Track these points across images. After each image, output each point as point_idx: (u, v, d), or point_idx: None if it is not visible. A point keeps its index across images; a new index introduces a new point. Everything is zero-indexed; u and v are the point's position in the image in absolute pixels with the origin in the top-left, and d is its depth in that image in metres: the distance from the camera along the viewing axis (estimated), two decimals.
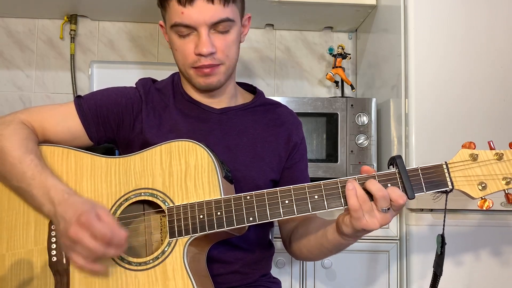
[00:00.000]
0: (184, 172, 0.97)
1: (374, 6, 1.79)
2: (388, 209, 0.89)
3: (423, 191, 0.90)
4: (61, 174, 1.01)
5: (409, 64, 1.49)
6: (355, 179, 0.91)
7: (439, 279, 0.99)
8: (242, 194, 0.94)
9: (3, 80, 2.00)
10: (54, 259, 0.96)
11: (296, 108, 1.65)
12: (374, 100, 1.67)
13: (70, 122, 1.09)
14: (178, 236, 0.94)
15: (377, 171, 0.93)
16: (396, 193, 0.88)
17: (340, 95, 1.88)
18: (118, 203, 0.98)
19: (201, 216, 0.94)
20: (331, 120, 1.66)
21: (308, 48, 2.10)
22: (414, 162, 1.45)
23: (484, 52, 1.48)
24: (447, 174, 0.90)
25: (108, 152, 1.48)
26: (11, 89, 2.00)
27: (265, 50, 2.08)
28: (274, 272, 1.26)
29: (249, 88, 1.27)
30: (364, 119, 1.65)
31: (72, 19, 1.98)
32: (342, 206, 0.92)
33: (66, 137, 1.09)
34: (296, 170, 1.19)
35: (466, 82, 1.47)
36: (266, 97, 1.25)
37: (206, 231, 0.93)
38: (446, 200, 0.95)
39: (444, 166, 0.90)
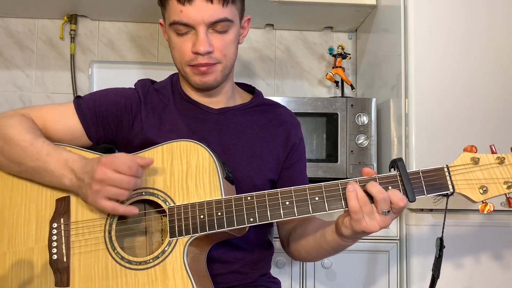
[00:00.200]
0: (185, 172, 0.98)
1: (374, 6, 1.79)
2: (388, 211, 0.89)
3: (424, 194, 0.90)
4: None
5: (409, 64, 1.49)
6: (356, 181, 0.91)
7: (436, 281, 0.99)
8: (243, 194, 0.94)
9: (3, 80, 2.00)
10: (55, 257, 0.96)
11: (296, 108, 1.65)
12: (374, 100, 1.67)
13: (69, 121, 1.10)
14: (178, 236, 0.94)
15: (377, 172, 0.93)
16: (397, 196, 0.88)
17: (340, 95, 1.88)
18: (119, 202, 0.98)
19: (202, 216, 0.94)
20: (331, 120, 1.66)
21: (308, 48, 2.10)
22: (414, 162, 1.45)
23: (484, 52, 1.48)
24: (448, 178, 0.90)
25: (108, 152, 1.48)
26: (11, 89, 2.00)
27: (265, 50, 2.08)
28: (274, 272, 1.26)
29: (248, 89, 1.27)
30: (364, 119, 1.65)
31: (72, 19, 1.98)
32: (343, 208, 0.92)
33: (66, 136, 1.09)
34: (294, 170, 1.19)
35: (466, 82, 1.47)
36: (265, 97, 1.25)
37: (206, 231, 0.94)
38: (446, 203, 0.95)
39: (445, 169, 0.91)
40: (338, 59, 1.86)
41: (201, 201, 0.95)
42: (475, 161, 0.90)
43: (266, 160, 1.15)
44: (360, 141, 1.64)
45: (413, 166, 1.44)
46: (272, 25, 2.07)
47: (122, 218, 0.99)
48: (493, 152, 0.90)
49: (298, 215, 0.92)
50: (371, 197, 0.89)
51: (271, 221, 0.94)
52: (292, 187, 0.94)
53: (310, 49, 2.10)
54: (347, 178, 1.64)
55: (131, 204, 0.99)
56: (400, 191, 0.90)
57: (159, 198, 0.97)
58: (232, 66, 1.14)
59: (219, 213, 0.94)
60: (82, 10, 1.97)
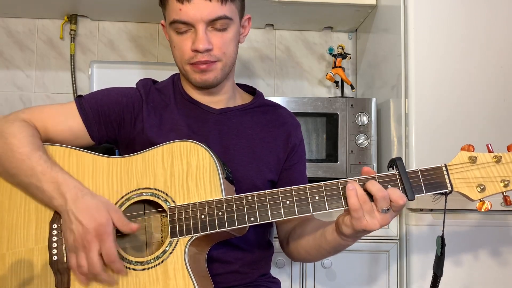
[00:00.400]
0: (186, 172, 0.98)
1: (374, 6, 1.79)
2: (388, 209, 0.90)
3: (423, 193, 0.91)
4: None
5: (409, 64, 1.49)
6: (356, 180, 0.92)
7: (440, 280, 1.00)
8: (243, 194, 0.95)
9: (3, 80, 2.00)
10: (55, 258, 0.96)
11: (296, 108, 1.65)
12: (374, 100, 1.67)
13: (71, 121, 1.09)
14: (179, 236, 0.94)
15: (377, 172, 0.93)
16: (396, 194, 0.88)
17: (340, 95, 1.88)
18: (119, 202, 0.98)
19: (203, 216, 0.94)
20: (331, 120, 1.66)
21: (308, 48, 2.10)
22: (414, 162, 1.45)
23: (484, 52, 1.48)
24: (446, 176, 0.91)
25: (108, 152, 1.48)
26: (11, 89, 2.00)
27: (265, 50, 2.09)
28: (274, 272, 1.26)
29: (249, 89, 1.27)
30: (364, 119, 1.65)
31: (72, 19, 1.98)
32: (343, 207, 0.92)
33: (68, 136, 1.09)
34: (294, 171, 1.19)
35: (466, 82, 1.48)
36: (265, 97, 1.25)
37: (207, 231, 0.94)
38: (445, 202, 0.96)
39: (444, 168, 0.92)
40: (338, 59, 1.86)
41: (202, 201, 0.95)
42: (473, 160, 0.91)
43: (266, 160, 1.15)
44: (360, 141, 1.64)
45: (413, 166, 1.44)
46: (272, 25, 2.07)
47: None
48: (489, 151, 0.92)
49: (298, 215, 0.93)
50: (371, 196, 0.90)
51: (272, 221, 0.94)
52: (292, 187, 0.94)
53: (310, 49, 2.10)
54: (347, 178, 1.64)
55: (132, 203, 0.99)
56: (400, 190, 0.90)
57: (160, 198, 0.97)
58: (232, 65, 1.14)
59: (220, 213, 0.94)
60: (82, 10, 1.97)
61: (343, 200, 0.92)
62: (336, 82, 1.89)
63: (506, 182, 0.89)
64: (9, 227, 0.99)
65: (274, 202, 0.94)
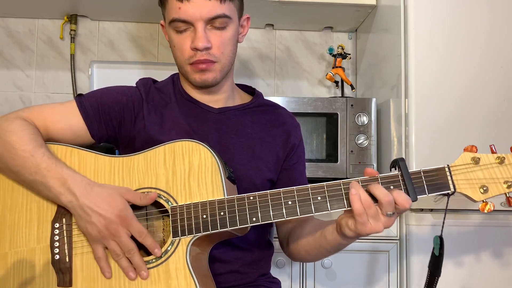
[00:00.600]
0: (188, 171, 0.98)
1: (374, 6, 1.79)
2: (393, 213, 0.90)
3: (426, 194, 0.91)
4: None
5: (409, 64, 1.49)
6: (358, 182, 0.92)
7: (437, 280, 1.00)
8: (245, 194, 0.95)
9: (3, 80, 2.00)
10: (57, 257, 0.96)
11: (296, 108, 1.65)
12: (374, 100, 1.67)
13: (72, 119, 1.09)
14: (181, 236, 0.94)
15: (378, 171, 0.93)
16: (402, 197, 0.89)
17: (340, 95, 1.88)
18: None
19: (204, 216, 0.94)
20: (331, 120, 1.66)
21: (308, 48, 2.10)
22: (414, 162, 1.45)
23: (484, 52, 1.49)
24: (449, 177, 0.91)
25: (108, 152, 1.48)
26: (11, 89, 2.00)
27: (265, 50, 2.09)
28: (274, 272, 1.26)
29: (248, 90, 1.28)
30: (364, 119, 1.65)
31: (72, 19, 1.98)
32: (345, 207, 0.92)
33: (68, 134, 1.09)
34: (294, 171, 1.19)
35: (466, 82, 1.48)
36: (265, 97, 1.26)
37: (209, 231, 0.94)
38: (447, 203, 0.96)
39: (447, 169, 0.91)
40: (338, 59, 1.86)
41: (204, 201, 0.95)
42: (476, 161, 0.91)
43: (265, 160, 1.15)
44: (360, 141, 1.64)
45: (413, 166, 1.44)
46: (272, 25, 2.07)
47: None
48: (493, 152, 0.91)
49: (300, 215, 0.93)
50: (374, 198, 0.89)
51: (274, 221, 0.94)
52: (294, 187, 0.94)
53: (310, 49, 2.10)
54: (347, 178, 1.64)
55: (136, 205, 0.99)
56: (404, 192, 0.90)
57: (162, 198, 0.97)
58: (230, 64, 1.14)
59: (222, 213, 0.94)
60: (82, 10, 1.97)
61: (345, 201, 0.92)
62: (336, 82, 1.89)
63: (510, 183, 0.89)
64: (11, 226, 0.99)
65: (276, 202, 0.94)
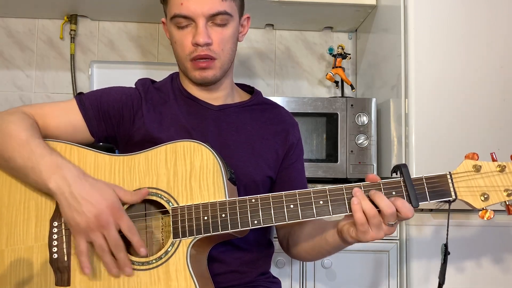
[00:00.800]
0: (189, 172, 0.97)
1: (374, 6, 1.79)
2: (396, 222, 0.91)
3: (427, 200, 0.92)
4: None
5: (409, 64, 1.49)
6: (361, 188, 0.92)
7: (441, 286, 1.01)
8: (247, 197, 0.95)
9: (3, 80, 2.00)
10: (55, 256, 0.96)
11: (296, 108, 1.65)
12: (374, 100, 1.67)
13: (71, 117, 1.10)
14: (182, 237, 0.94)
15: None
16: (406, 208, 0.89)
17: (340, 95, 1.88)
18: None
19: (206, 218, 0.94)
20: (331, 120, 1.66)
21: (308, 48, 2.10)
22: (414, 162, 1.45)
23: (484, 52, 1.49)
24: (451, 184, 0.92)
25: (108, 151, 1.48)
26: (11, 89, 2.00)
27: (265, 50, 2.09)
28: (274, 272, 1.26)
29: (247, 89, 1.28)
30: (364, 119, 1.65)
31: (72, 19, 1.98)
32: (347, 212, 0.93)
33: (67, 131, 1.09)
34: (293, 170, 1.20)
35: (466, 82, 1.48)
36: (264, 97, 1.26)
37: (210, 233, 0.94)
38: (449, 210, 0.97)
39: (448, 176, 0.92)
40: (338, 59, 1.86)
41: (205, 202, 0.95)
42: (477, 169, 0.92)
43: (265, 157, 1.15)
44: (360, 141, 1.64)
45: (413, 166, 1.44)
46: (272, 25, 2.07)
47: None
48: (493, 160, 0.92)
49: (302, 219, 0.93)
50: (377, 207, 0.90)
51: (275, 224, 0.94)
52: (296, 191, 0.94)
53: (310, 49, 2.10)
54: (347, 178, 1.65)
55: (138, 205, 0.98)
56: (404, 197, 0.91)
57: (162, 199, 0.97)
58: (230, 62, 1.15)
59: (223, 215, 0.94)
60: (82, 10, 1.97)
61: (347, 206, 0.92)
62: (336, 82, 1.89)
63: (510, 192, 0.90)
64: (8, 224, 0.98)
65: (278, 205, 0.94)
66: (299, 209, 0.93)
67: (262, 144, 1.16)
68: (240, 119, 1.17)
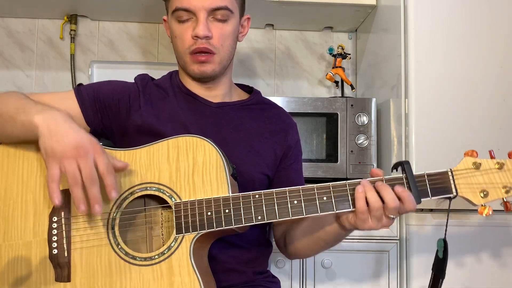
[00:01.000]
0: (192, 167, 0.97)
1: (374, 6, 1.79)
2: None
3: (429, 197, 0.93)
4: None
5: (409, 64, 1.49)
6: (370, 183, 0.93)
7: (442, 282, 1.02)
8: (250, 192, 0.95)
9: (3, 80, 2.00)
10: (55, 251, 0.95)
11: (296, 108, 1.65)
12: (374, 100, 1.67)
13: (68, 105, 1.11)
14: (185, 232, 0.94)
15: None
16: (411, 200, 0.91)
17: (340, 95, 1.88)
18: (123, 196, 0.98)
19: (209, 213, 0.94)
20: (331, 120, 1.66)
21: (308, 48, 2.10)
22: (414, 162, 1.45)
23: (484, 52, 1.49)
24: (452, 181, 0.93)
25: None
26: (11, 89, 1.99)
27: (265, 50, 2.09)
28: (274, 272, 1.26)
29: (246, 89, 1.29)
30: (364, 119, 1.65)
31: (72, 19, 1.98)
32: (350, 208, 0.93)
33: None
34: (292, 171, 1.20)
35: (466, 82, 1.48)
36: (263, 96, 1.27)
37: (213, 228, 0.94)
38: (449, 206, 0.98)
39: (450, 173, 0.94)
40: (338, 59, 1.87)
41: (208, 197, 0.95)
42: (477, 166, 0.93)
43: (263, 155, 1.16)
44: (360, 141, 1.64)
45: (413, 166, 1.44)
46: (272, 25, 2.07)
47: (124, 213, 0.98)
48: (492, 157, 0.94)
49: (306, 215, 0.94)
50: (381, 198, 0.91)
51: (279, 220, 0.94)
52: (300, 186, 0.95)
53: (310, 49, 2.10)
54: (347, 178, 1.65)
55: (135, 199, 0.98)
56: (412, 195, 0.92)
57: (165, 194, 0.97)
58: (229, 59, 1.16)
59: (227, 210, 0.94)
60: (82, 10, 1.96)
61: (350, 202, 0.93)
62: (336, 82, 1.89)
63: (508, 189, 0.92)
64: (5, 218, 0.97)
65: (281, 201, 0.94)
66: (303, 205, 0.94)
67: (261, 143, 1.16)
68: (239, 117, 1.17)
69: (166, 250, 0.94)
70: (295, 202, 0.94)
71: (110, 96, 1.13)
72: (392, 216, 0.91)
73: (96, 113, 1.12)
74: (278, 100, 1.61)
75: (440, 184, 0.93)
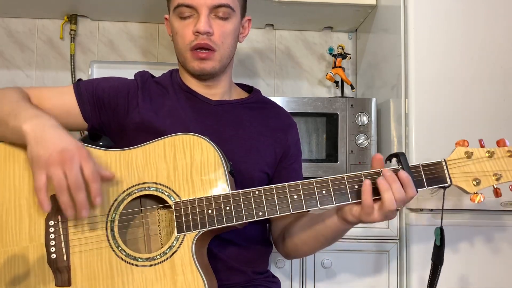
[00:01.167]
0: (190, 166, 0.97)
1: (374, 6, 1.79)
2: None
3: (425, 187, 0.96)
4: None
5: (409, 64, 1.49)
6: (361, 176, 0.94)
7: (440, 269, 1.05)
8: (250, 189, 0.95)
9: (3, 80, 2.00)
10: (54, 256, 0.94)
11: (296, 108, 1.65)
12: (374, 100, 1.67)
13: (66, 100, 1.11)
14: (186, 231, 0.94)
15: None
16: (413, 187, 0.92)
17: (340, 95, 1.88)
18: (121, 197, 0.97)
19: (210, 211, 0.94)
20: (331, 120, 1.66)
21: (308, 48, 2.10)
22: (414, 162, 1.44)
23: (484, 52, 1.49)
24: (446, 171, 0.96)
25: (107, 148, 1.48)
26: None
27: (265, 50, 2.09)
28: (274, 271, 1.26)
29: (246, 88, 1.29)
30: (364, 119, 1.65)
31: (72, 19, 1.98)
32: (349, 201, 0.94)
33: (61, 113, 1.09)
34: (292, 170, 1.20)
35: (466, 82, 1.48)
36: (263, 95, 1.27)
37: (215, 226, 0.94)
38: (443, 195, 1.01)
39: (444, 163, 0.96)
40: (338, 59, 1.87)
41: (208, 195, 0.95)
42: (469, 155, 0.96)
43: (263, 154, 1.16)
44: (360, 141, 1.64)
45: None
46: (272, 25, 2.07)
47: (122, 214, 0.97)
48: (482, 146, 0.97)
49: (306, 209, 0.94)
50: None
51: (280, 215, 0.95)
52: (299, 181, 0.96)
53: (310, 49, 2.10)
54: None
55: (133, 200, 0.98)
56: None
57: (164, 193, 0.96)
58: (229, 58, 1.16)
59: (227, 208, 0.94)
60: (82, 10, 1.96)
61: (349, 194, 0.94)
62: (336, 82, 1.89)
63: (498, 176, 0.95)
64: None
65: (281, 196, 0.95)
66: (303, 200, 0.94)
67: (260, 141, 1.16)
68: (238, 115, 1.18)
69: (168, 249, 0.94)
70: (295, 197, 0.95)
71: (109, 92, 1.13)
72: (397, 208, 0.93)
73: (94, 108, 1.12)
74: (278, 100, 1.61)
75: (435, 174, 0.96)
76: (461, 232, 1.44)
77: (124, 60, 2.03)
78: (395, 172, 0.93)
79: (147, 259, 0.94)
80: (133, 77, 1.20)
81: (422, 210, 1.45)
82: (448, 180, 0.95)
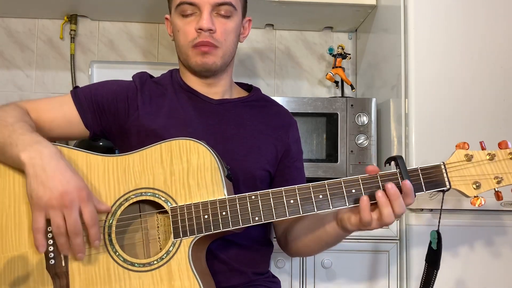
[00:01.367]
0: (186, 171, 0.97)
1: (374, 6, 1.79)
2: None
3: (423, 191, 0.94)
4: None
5: (409, 64, 1.49)
6: (359, 181, 0.94)
7: (436, 273, 1.04)
8: (246, 194, 0.95)
9: (3, 80, 2.00)
10: (52, 262, 0.94)
11: (296, 108, 1.65)
12: (374, 100, 1.67)
13: (66, 109, 1.10)
14: (182, 237, 0.94)
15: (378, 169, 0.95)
16: (412, 192, 0.92)
17: (340, 95, 1.88)
18: (118, 203, 0.97)
19: (206, 216, 0.94)
20: (331, 120, 1.66)
21: (308, 48, 2.10)
22: (414, 162, 1.45)
23: (484, 52, 1.48)
24: (445, 174, 0.95)
25: (109, 152, 1.48)
26: (11, 89, 2.00)
27: (265, 50, 2.08)
28: (274, 271, 1.26)
29: (246, 88, 1.29)
30: (364, 119, 1.65)
31: (72, 19, 1.98)
32: (346, 205, 0.94)
33: (62, 124, 1.10)
34: (294, 169, 1.20)
35: (466, 82, 1.48)
36: (263, 93, 1.27)
37: (211, 231, 0.94)
38: (442, 199, 1.00)
39: (442, 167, 0.95)
40: (338, 59, 1.86)
41: (205, 200, 0.95)
42: (469, 158, 0.95)
43: (264, 152, 1.16)
44: (360, 141, 1.64)
45: (413, 165, 1.44)
46: (272, 25, 2.07)
47: (120, 220, 0.97)
48: (483, 148, 0.96)
49: (303, 213, 0.94)
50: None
51: (276, 220, 0.94)
52: (296, 186, 0.95)
53: (310, 49, 2.10)
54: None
55: (132, 205, 0.98)
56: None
57: (160, 198, 0.96)
58: (231, 56, 1.16)
59: (224, 213, 0.94)
60: (82, 10, 1.96)
61: (346, 199, 0.94)
62: (336, 82, 1.89)
63: (499, 179, 0.94)
64: None
65: (278, 201, 0.94)
66: (299, 204, 0.94)
67: (261, 139, 1.16)
68: (240, 114, 1.18)
69: (165, 255, 0.94)
70: (292, 201, 0.94)
71: (108, 97, 1.12)
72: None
73: (94, 115, 1.12)
74: (278, 100, 1.60)
75: (433, 177, 0.94)
76: (461, 232, 1.44)
77: (124, 60, 2.02)
78: (395, 180, 0.93)
79: (144, 265, 0.94)
80: (131, 79, 1.19)
81: (422, 210, 1.45)
82: (447, 183, 0.94)
